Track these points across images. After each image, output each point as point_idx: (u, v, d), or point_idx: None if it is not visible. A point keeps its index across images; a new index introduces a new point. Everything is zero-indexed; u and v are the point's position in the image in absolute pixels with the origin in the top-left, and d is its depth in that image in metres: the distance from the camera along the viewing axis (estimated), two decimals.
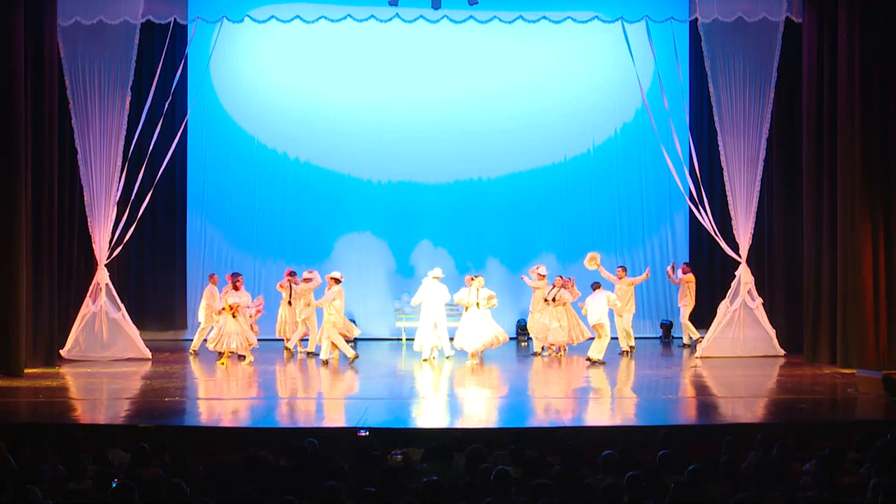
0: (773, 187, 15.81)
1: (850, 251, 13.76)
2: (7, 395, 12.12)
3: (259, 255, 18.23)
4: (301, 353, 15.43)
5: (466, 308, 14.84)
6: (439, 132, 18.15)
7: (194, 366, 14.89)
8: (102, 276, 14.94)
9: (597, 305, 14.75)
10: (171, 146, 15.99)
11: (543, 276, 15.39)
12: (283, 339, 15.75)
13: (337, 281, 14.76)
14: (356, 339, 15.91)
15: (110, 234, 14.96)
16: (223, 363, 14.39)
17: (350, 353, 14.60)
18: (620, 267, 16.20)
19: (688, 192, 15.76)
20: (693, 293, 16.46)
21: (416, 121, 18.17)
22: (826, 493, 6.48)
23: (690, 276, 16.49)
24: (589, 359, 14.59)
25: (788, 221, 15.62)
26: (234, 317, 14.34)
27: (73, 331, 14.90)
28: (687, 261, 17.19)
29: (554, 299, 14.97)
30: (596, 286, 15.04)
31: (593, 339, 14.81)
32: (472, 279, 14.98)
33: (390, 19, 16.16)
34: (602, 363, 14.53)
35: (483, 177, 18.40)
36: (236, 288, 14.79)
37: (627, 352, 15.66)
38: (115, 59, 14.84)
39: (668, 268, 16.91)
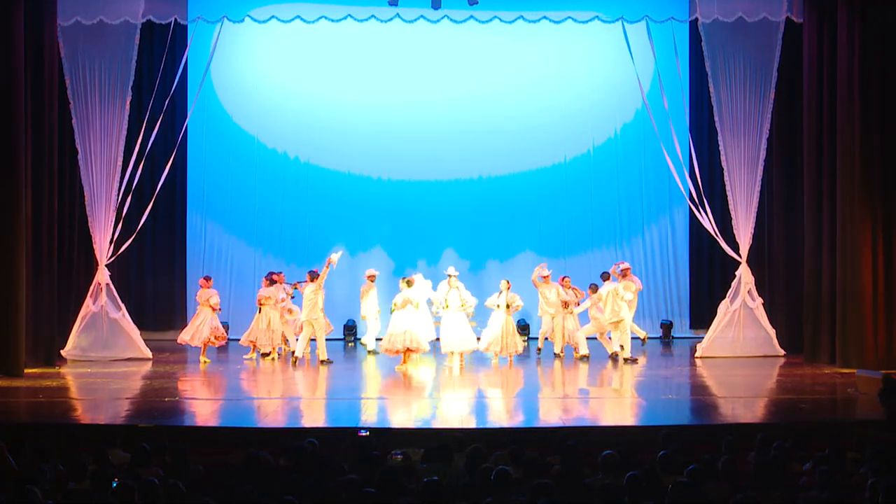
0: (773, 187, 15.81)
1: (849, 251, 13.76)
2: (7, 395, 12.13)
3: (259, 254, 18.22)
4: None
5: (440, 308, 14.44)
6: (439, 132, 18.15)
7: (195, 366, 14.89)
8: (103, 276, 14.94)
9: (610, 300, 14.63)
10: (171, 146, 16.02)
11: (547, 276, 15.30)
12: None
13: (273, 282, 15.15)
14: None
15: (111, 234, 14.97)
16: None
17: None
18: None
19: (688, 193, 15.76)
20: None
21: (416, 121, 18.18)
22: (826, 493, 6.48)
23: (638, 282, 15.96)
24: (626, 359, 14.59)
25: (788, 221, 15.61)
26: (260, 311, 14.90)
27: (73, 331, 14.90)
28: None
29: (508, 306, 14.37)
30: (606, 276, 14.97)
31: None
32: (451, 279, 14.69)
33: (391, 19, 16.16)
34: (634, 360, 14.59)
35: (483, 177, 18.40)
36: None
37: (560, 355, 15.17)
38: (116, 59, 14.85)
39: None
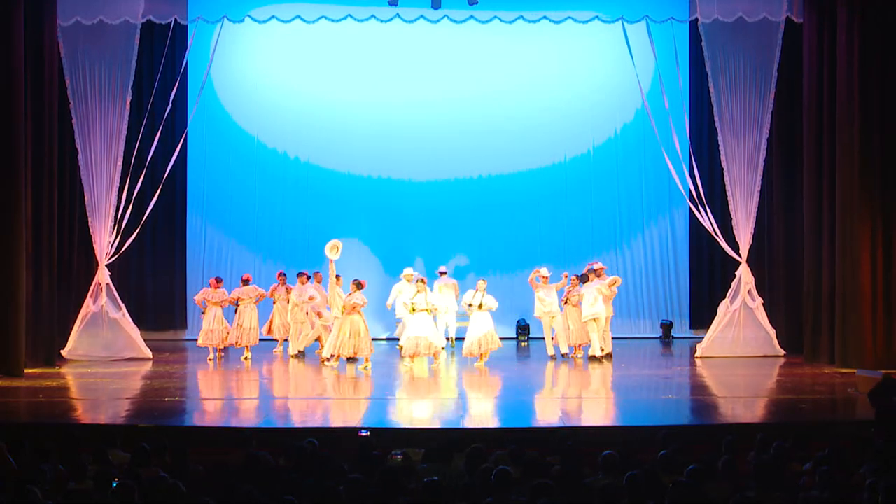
0: (773, 187, 15.81)
1: (848, 251, 13.76)
2: (7, 395, 12.12)
3: (259, 254, 18.24)
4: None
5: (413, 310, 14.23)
6: (439, 132, 18.16)
7: (195, 366, 14.90)
8: (103, 276, 14.94)
9: (590, 297, 14.68)
10: (171, 146, 16.01)
11: (546, 277, 15.27)
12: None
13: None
14: None
15: (111, 234, 14.98)
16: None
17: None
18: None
19: (688, 193, 15.76)
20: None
21: (416, 121, 18.18)
22: (826, 493, 6.48)
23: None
24: (591, 357, 14.60)
25: (788, 221, 15.61)
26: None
27: (73, 331, 14.90)
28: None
29: (480, 305, 14.28)
30: (583, 278, 14.95)
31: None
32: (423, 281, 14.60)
33: (391, 19, 16.16)
34: (604, 358, 14.60)
35: (483, 177, 18.41)
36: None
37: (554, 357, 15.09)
38: (116, 59, 14.84)
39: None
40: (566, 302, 14.93)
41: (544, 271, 15.22)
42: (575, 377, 13.93)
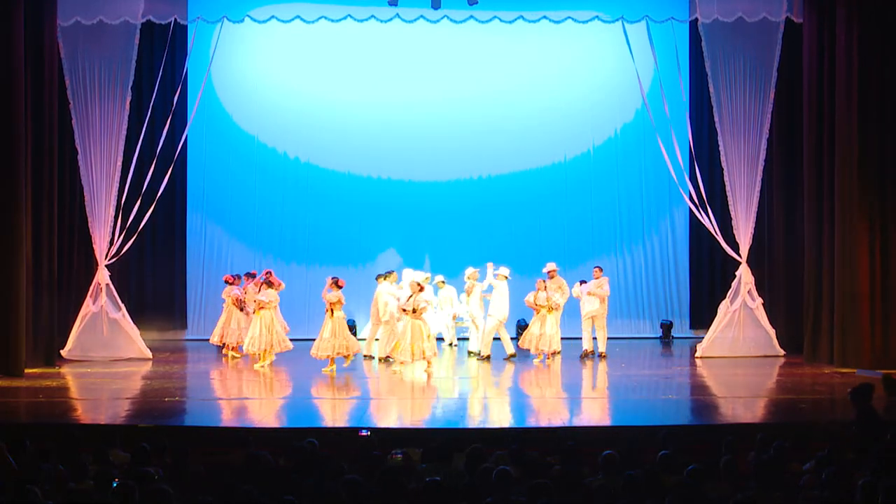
0: (773, 187, 15.81)
1: (848, 251, 13.77)
2: (7, 395, 12.12)
3: (259, 254, 18.22)
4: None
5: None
6: (439, 132, 18.16)
7: (194, 366, 14.90)
8: (103, 276, 14.95)
9: (586, 297, 15.07)
10: (171, 146, 15.98)
11: (506, 276, 15.19)
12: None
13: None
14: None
15: (111, 234, 14.98)
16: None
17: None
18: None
19: (688, 193, 15.76)
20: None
21: (416, 121, 18.19)
22: (826, 493, 6.48)
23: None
24: (600, 355, 14.84)
25: (789, 221, 15.63)
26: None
27: (73, 331, 14.90)
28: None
29: (415, 310, 13.44)
30: (597, 271, 15.30)
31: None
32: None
33: (390, 19, 16.16)
34: (602, 356, 14.83)
35: (483, 177, 18.41)
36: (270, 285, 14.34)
37: (510, 358, 15.03)
38: (116, 59, 14.85)
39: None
40: (548, 308, 14.77)
41: (503, 270, 15.18)
42: (575, 377, 13.92)
